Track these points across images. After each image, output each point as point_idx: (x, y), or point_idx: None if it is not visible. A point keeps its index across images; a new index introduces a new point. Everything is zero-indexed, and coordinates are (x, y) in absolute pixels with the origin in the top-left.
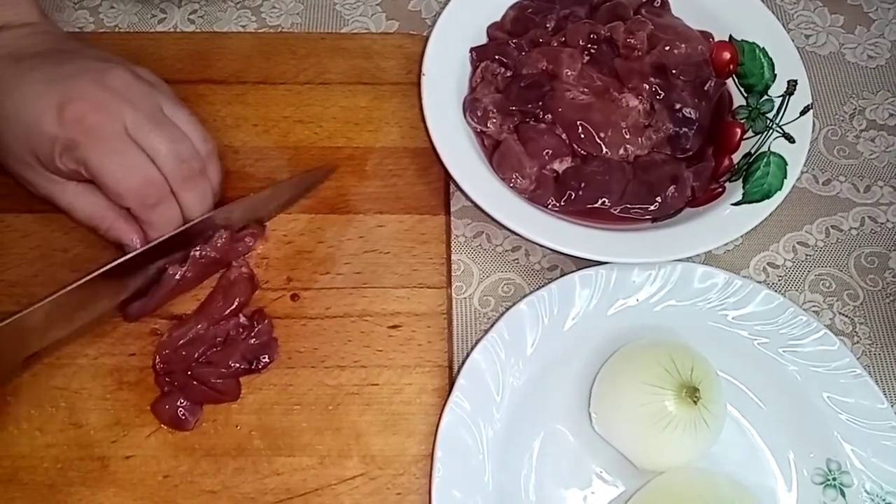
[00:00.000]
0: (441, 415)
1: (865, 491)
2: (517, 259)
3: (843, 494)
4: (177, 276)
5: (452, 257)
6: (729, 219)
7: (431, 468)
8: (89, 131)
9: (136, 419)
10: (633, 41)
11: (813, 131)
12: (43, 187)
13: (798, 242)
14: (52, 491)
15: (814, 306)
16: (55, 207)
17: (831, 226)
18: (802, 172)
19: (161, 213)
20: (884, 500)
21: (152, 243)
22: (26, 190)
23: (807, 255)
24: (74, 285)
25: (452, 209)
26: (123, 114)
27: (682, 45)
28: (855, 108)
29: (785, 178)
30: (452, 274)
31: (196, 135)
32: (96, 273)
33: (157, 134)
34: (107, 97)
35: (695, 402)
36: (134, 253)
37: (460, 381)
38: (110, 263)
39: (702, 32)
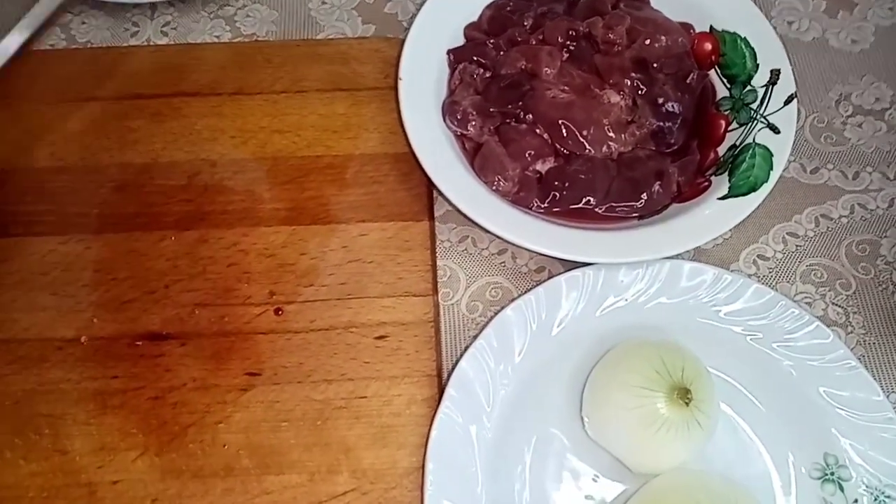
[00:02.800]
0: (431, 426)
1: (864, 484)
2: (504, 262)
3: (841, 489)
4: None
5: (438, 263)
6: (716, 213)
7: (423, 481)
8: None
9: (122, 443)
10: (612, 36)
11: (799, 119)
12: None
13: (788, 233)
14: None
15: (806, 297)
16: None
17: (821, 215)
18: (790, 162)
19: None
20: (882, 492)
21: None
22: (6, 211)
23: (797, 245)
24: None
25: (436, 214)
26: None
27: (663, 38)
28: (841, 94)
29: (771, 169)
30: (439, 280)
31: None
32: None
33: None
34: None
35: (687, 404)
36: None
37: (449, 391)
38: None
39: (682, 24)
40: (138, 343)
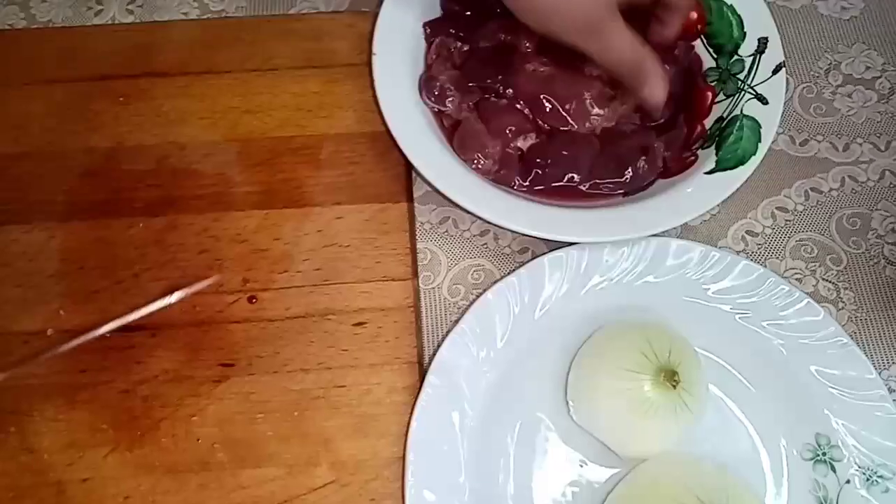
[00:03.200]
0: (412, 415)
1: (856, 464)
2: (486, 243)
3: (833, 469)
4: None
5: (418, 246)
6: (703, 188)
7: (404, 471)
8: None
9: (92, 439)
10: None
11: (787, 90)
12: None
13: (777, 208)
14: None
15: (796, 273)
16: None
17: (810, 188)
18: (778, 134)
19: None
20: (875, 472)
21: None
22: None
23: (786, 220)
24: None
25: (415, 195)
26: None
27: None
28: (830, 63)
29: (759, 141)
30: (419, 263)
31: None
32: None
33: None
34: None
35: (674, 386)
36: None
37: (430, 378)
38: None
39: None
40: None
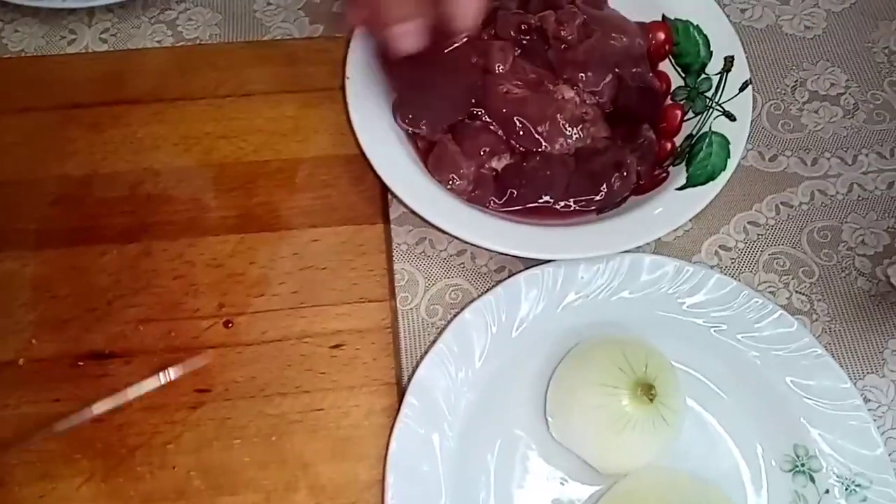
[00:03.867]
0: (390, 436)
1: (835, 474)
2: (463, 263)
3: (812, 480)
4: None
5: (395, 267)
6: (674, 204)
7: (384, 494)
8: None
9: (66, 470)
10: (564, 33)
11: (755, 107)
12: None
13: (749, 222)
14: None
15: (769, 287)
16: None
17: (781, 202)
18: (748, 150)
19: None
20: (853, 481)
21: None
22: None
23: (758, 234)
24: None
25: (392, 216)
26: None
27: (623, 38)
28: (796, 80)
29: (728, 157)
30: (396, 284)
31: None
32: None
33: None
34: None
35: (651, 400)
36: None
37: (408, 399)
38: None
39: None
40: (80, 363)
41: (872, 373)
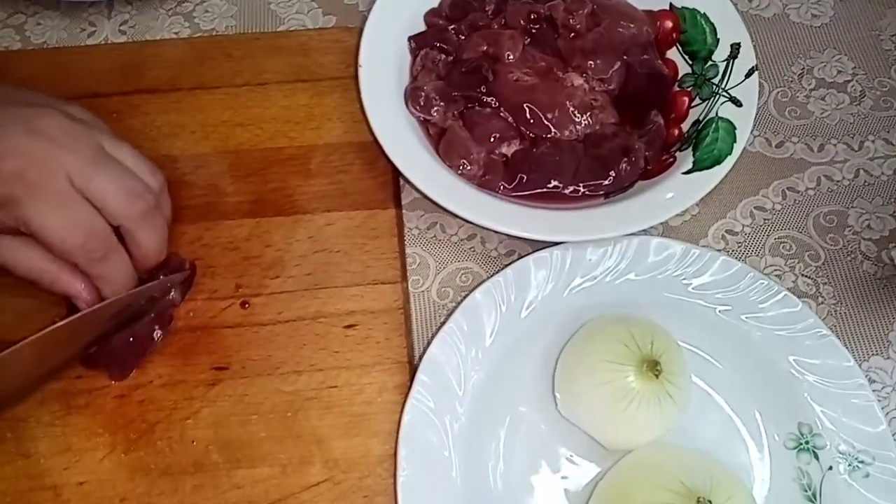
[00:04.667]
0: (402, 412)
1: (838, 451)
2: (473, 247)
3: (816, 457)
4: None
5: (407, 251)
6: (682, 187)
7: (396, 468)
8: (29, 187)
9: (88, 443)
10: (573, 21)
11: (762, 94)
12: None
13: (755, 207)
14: None
15: (775, 270)
16: None
17: (787, 188)
18: (755, 136)
19: (110, 266)
20: (856, 458)
21: (94, 308)
22: None
23: (765, 219)
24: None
25: (404, 202)
26: (65, 163)
27: (631, 26)
28: (803, 68)
29: (734, 142)
30: (408, 267)
31: (143, 168)
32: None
33: (103, 177)
34: (45, 148)
35: (657, 376)
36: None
37: (420, 376)
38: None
39: (646, 11)
40: None
41: (877, 354)
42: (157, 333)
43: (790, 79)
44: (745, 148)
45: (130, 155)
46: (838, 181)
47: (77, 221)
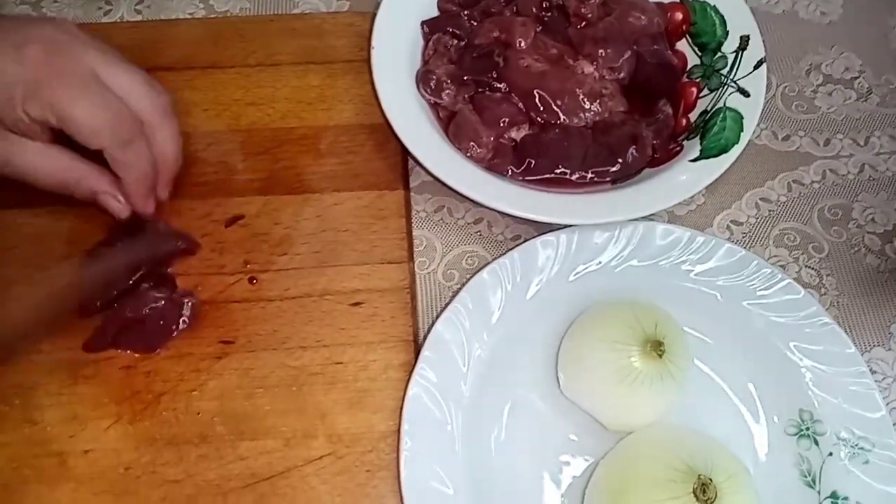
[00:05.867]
0: (407, 386)
1: (838, 438)
2: (480, 231)
3: (816, 443)
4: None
5: (414, 233)
6: (688, 175)
7: (399, 442)
8: (54, 70)
9: (94, 412)
10: (584, 10)
11: (770, 88)
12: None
13: (761, 199)
14: (7, 491)
15: (780, 261)
16: (15, 175)
17: (793, 180)
18: (762, 129)
19: (136, 152)
20: (856, 444)
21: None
22: None
23: (770, 210)
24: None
25: (412, 185)
26: (88, 55)
27: (641, 17)
28: (811, 64)
29: (742, 131)
30: (415, 249)
31: (153, 81)
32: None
33: (125, 73)
34: (67, 39)
35: (660, 356)
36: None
37: (425, 352)
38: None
39: (657, 2)
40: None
41: (879, 346)
42: (186, 310)
43: (798, 74)
44: (751, 140)
45: (139, 70)
46: (843, 175)
47: (105, 104)
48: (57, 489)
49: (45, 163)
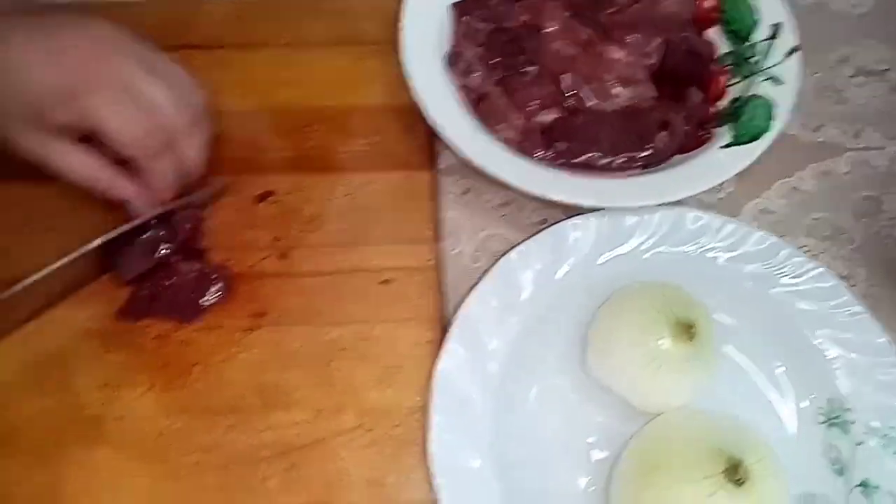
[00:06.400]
0: (436, 363)
1: (869, 427)
2: (507, 214)
3: (846, 432)
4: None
5: (442, 214)
6: (719, 161)
7: (428, 415)
8: (91, 80)
9: (128, 380)
10: None
11: (801, 79)
12: (34, 150)
13: (791, 188)
14: (45, 454)
15: (809, 251)
16: (48, 172)
17: (823, 171)
18: (791, 120)
19: (164, 162)
20: (885, 434)
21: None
22: (11, 156)
23: (800, 200)
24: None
25: (440, 167)
26: (124, 62)
27: (672, 3)
28: (842, 56)
29: (773, 119)
30: (443, 230)
31: (188, 83)
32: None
33: (157, 83)
34: (101, 49)
35: (690, 339)
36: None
37: (454, 329)
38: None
39: None
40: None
41: None
42: (218, 282)
43: (829, 65)
44: (781, 131)
45: (177, 69)
46: (875, 167)
47: (136, 114)
48: (93, 454)
49: (77, 164)
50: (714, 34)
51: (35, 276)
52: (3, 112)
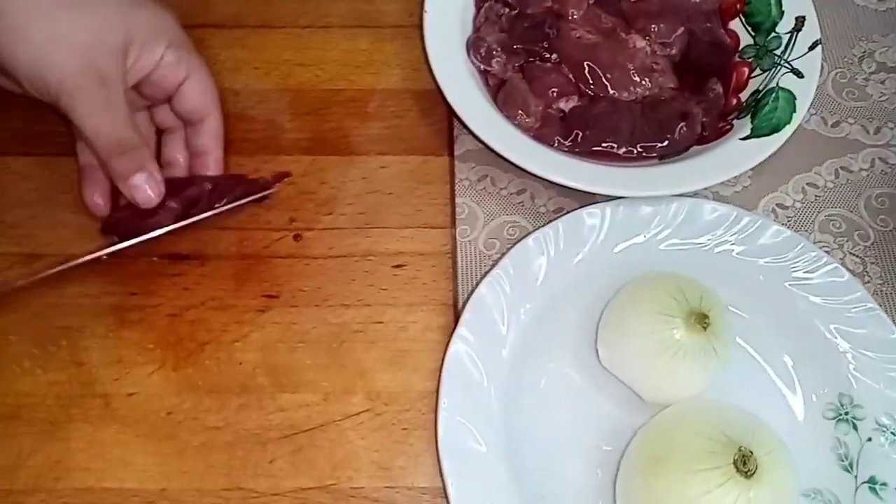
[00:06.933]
0: (447, 346)
1: (878, 423)
2: (522, 202)
3: (855, 428)
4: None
5: (457, 200)
6: (737, 153)
7: (437, 398)
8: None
9: (139, 357)
10: None
11: (821, 74)
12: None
13: (807, 183)
14: (54, 428)
15: (824, 247)
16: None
17: (840, 167)
18: (811, 115)
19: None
20: (894, 431)
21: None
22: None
23: (816, 196)
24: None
25: (456, 153)
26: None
27: None
28: (864, 51)
29: (794, 112)
30: (457, 217)
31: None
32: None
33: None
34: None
35: (704, 328)
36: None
37: (465, 314)
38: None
39: None
40: (154, 259)
41: None
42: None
43: (850, 61)
44: (800, 125)
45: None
46: (893, 164)
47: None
48: (102, 429)
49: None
50: (736, 25)
51: (54, 269)
52: (66, 72)
